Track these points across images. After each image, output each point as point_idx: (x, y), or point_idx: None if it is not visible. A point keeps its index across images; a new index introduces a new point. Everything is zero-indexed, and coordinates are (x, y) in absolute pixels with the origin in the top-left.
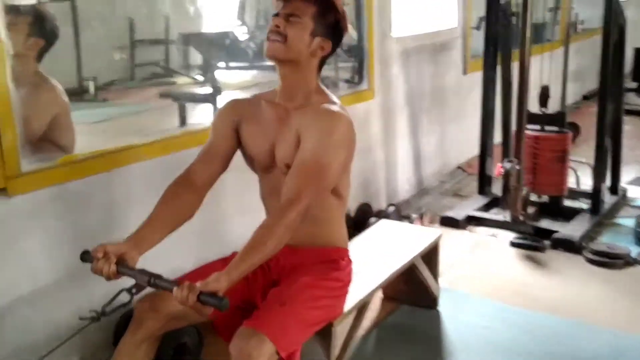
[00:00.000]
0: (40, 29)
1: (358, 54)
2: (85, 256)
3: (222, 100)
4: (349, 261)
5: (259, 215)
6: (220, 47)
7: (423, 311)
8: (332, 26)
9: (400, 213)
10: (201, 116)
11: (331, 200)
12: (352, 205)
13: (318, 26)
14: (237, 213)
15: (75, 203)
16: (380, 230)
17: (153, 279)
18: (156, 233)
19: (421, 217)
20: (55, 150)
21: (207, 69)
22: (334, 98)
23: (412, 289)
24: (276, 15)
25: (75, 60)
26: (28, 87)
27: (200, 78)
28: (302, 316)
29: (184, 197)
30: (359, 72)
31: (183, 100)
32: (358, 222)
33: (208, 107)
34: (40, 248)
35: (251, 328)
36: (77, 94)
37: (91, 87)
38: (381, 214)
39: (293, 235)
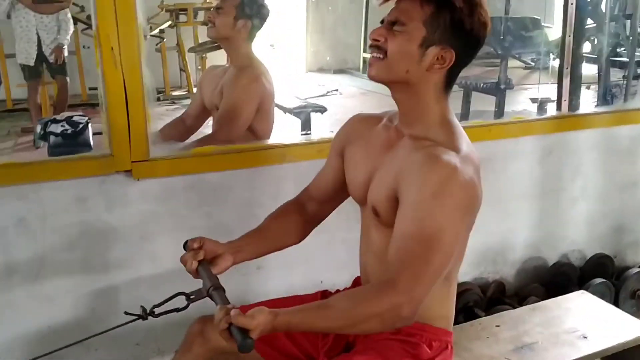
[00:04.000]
0: (247, 11)
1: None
2: (185, 245)
3: (510, 96)
4: (443, 349)
5: None
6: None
7: None
8: (453, 28)
9: None
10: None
11: None
12: (587, 253)
13: (433, 32)
14: None
15: (211, 195)
16: (567, 304)
17: (212, 289)
18: (256, 247)
19: None
20: (251, 137)
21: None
22: (460, 138)
23: None
24: (381, 22)
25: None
26: (235, 71)
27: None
28: None
29: (293, 218)
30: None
31: (468, 87)
32: (583, 280)
33: (491, 100)
34: (166, 233)
35: None
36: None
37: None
38: (622, 274)
39: None
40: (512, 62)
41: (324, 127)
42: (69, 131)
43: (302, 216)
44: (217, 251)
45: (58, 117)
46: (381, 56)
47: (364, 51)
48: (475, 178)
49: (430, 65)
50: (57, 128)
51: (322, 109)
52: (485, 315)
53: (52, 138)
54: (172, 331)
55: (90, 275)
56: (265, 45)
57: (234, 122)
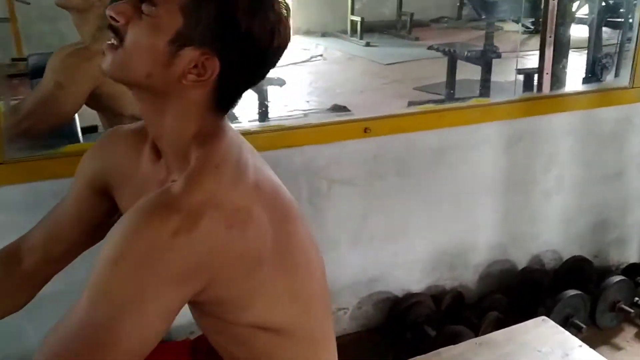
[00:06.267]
0: None
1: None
2: None
3: (498, 65)
4: None
5: None
6: None
7: None
8: (221, 27)
9: (635, 284)
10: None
11: (260, 338)
12: (563, 254)
13: (192, 26)
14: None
15: None
16: (523, 336)
17: None
18: None
19: None
20: (128, 120)
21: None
22: (209, 171)
23: None
24: None
25: None
26: (76, 49)
27: (531, 27)
28: None
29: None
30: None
31: (452, 55)
32: (556, 288)
33: (476, 69)
34: None
35: None
36: (392, 27)
37: (407, 23)
38: (602, 281)
39: None
40: (511, 26)
41: (286, 103)
42: None
43: (14, 276)
44: None
45: None
46: (117, 43)
47: (352, 13)
48: (218, 228)
49: (183, 74)
50: None
51: (280, 82)
52: (436, 334)
53: None
54: None
55: None
56: None
57: (50, 108)
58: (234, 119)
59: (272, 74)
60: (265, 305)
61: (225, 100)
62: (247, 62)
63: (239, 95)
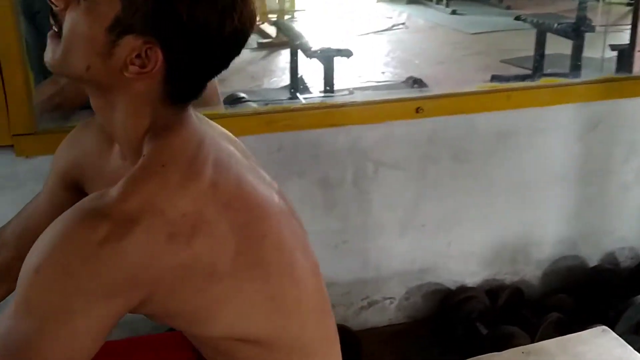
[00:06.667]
0: None
1: None
2: None
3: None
4: None
5: None
6: None
7: None
8: (158, 15)
9: None
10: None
11: (241, 349)
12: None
13: (131, 12)
14: None
15: None
16: (577, 347)
17: None
18: None
19: None
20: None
21: None
22: (155, 171)
23: None
24: None
25: None
26: None
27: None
28: None
29: None
30: None
31: (540, 27)
32: (629, 289)
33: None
34: None
35: None
36: None
37: None
38: None
39: None
40: None
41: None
42: None
43: None
44: None
45: None
46: (57, 30)
47: None
48: (156, 237)
49: (125, 65)
50: None
51: (346, 54)
52: (488, 333)
53: None
54: None
55: None
56: None
57: None
58: (306, 90)
59: (340, 44)
60: (234, 316)
61: (179, 92)
62: (196, 52)
63: (196, 86)
